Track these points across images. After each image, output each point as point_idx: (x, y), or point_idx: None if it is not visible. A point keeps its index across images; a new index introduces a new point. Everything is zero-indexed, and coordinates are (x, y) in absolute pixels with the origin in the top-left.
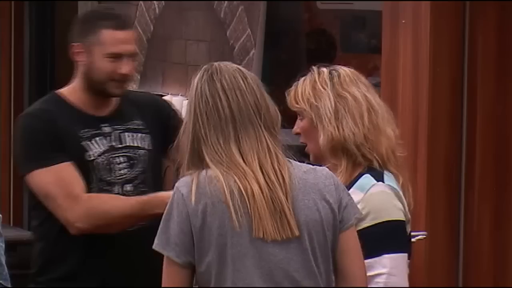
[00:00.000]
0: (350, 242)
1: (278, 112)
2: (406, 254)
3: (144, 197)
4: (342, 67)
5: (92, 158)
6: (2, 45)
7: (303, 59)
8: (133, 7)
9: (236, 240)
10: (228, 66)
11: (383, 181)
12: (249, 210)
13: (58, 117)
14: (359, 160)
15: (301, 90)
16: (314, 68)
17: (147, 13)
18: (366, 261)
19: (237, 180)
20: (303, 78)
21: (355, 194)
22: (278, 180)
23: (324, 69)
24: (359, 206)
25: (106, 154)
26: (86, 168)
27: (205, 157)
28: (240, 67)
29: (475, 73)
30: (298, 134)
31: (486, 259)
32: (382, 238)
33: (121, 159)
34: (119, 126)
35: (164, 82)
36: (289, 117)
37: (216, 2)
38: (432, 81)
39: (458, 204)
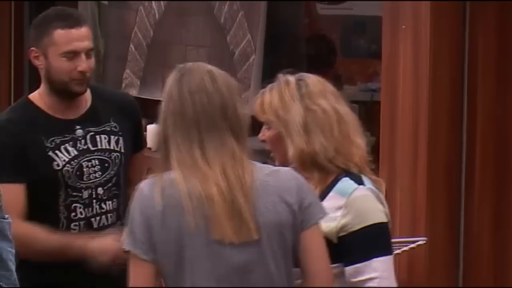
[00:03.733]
0: (312, 241)
1: (247, 115)
2: (392, 256)
3: (70, 240)
4: (310, 76)
5: (60, 167)
6: (2, 45)
7: (303, 64)
8: (132, 12)
9: (193, 242)
10: (200, 67)
11: (364, 185)
12: (208, 213)
13: (26, 127)
14: (332, 169)
15: (268, 100)
16: (281, 76)
17: (146, 19)
18: (356, 265)
19: (198, 183)
20: (269, 87)
21: (336, 198)
22: (239, 183)
23: (292, 79)
24: (342, 210)
25: (76, 160)
26: (55, 177)
27: (171, 158)
28: (213, 68)
29: (475, 75)
30: (264, 141)
31: (486, 261)
32: (371, 241)
33: (94, 162)
34: (93, 128)
35: (164, 88)
36: None
37: (216, 7)
38: (432, 86)
39: (458, 206)
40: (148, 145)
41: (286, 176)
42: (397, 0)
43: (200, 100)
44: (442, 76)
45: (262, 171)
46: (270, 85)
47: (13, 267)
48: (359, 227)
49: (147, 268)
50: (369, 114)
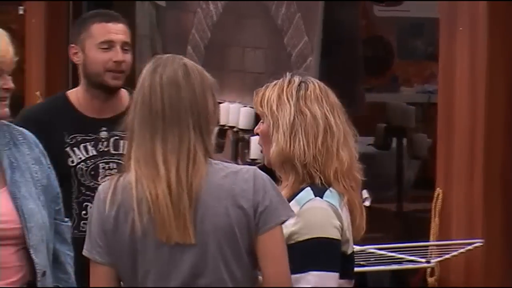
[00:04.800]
0: (268, 246)
1: (217, 113)
2: (335, 274)
3: None
4: (315, 80)
5: (74, 163)
6: (60, 47)
7: (360, 66)
8: (190, 13)
9: (144, 247)
10: (176, 60)
11: (321, 197)
12: (155, 217)
13: (50, 119)
14: (305, 178)
15: (268, 95)
16: (288, 74)
17: (204, 20)
18: (293, 275)
19: (149, 185)
20: (274, 83)
21: (294, 207)
22: (188, 185)
23: (296, 79)
24: (294, 219)
25: (93, 160)
26: (68, 173)
27: (132, 152)
28: (188, 62)
29: None
30: (257, 135)
31: None
32: (311, 254)
33: (112, 165)
34: (118, 132)
35: (221, 89)
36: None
37: (273, 9)
38: (489, 88)
39: None
40: None
41: (244, 177)
42: (453, 0)
43: (169, 93)
44: (499, 77)
45: (219, 173)
46: (276, 81)
47: (72, 270)
48: (304, 238)
49: (105, 271)
50: (426, 116)
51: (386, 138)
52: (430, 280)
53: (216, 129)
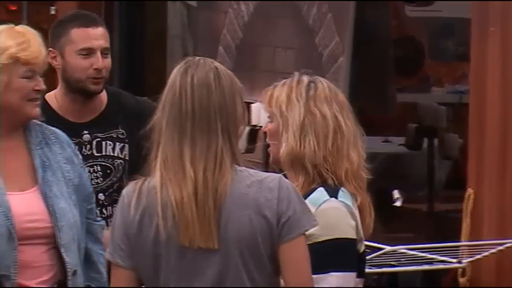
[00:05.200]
0: (290, 255)
1: (246, 118)
2: (354, 274)
3: None
4: (323, 81)
5: None
6: None
7: (391, 66)
8: (221, 14)
9: (168, 252)
10: (206, 62)
11: (336, 197)
12: (179, 221)
13: None
14: (315, 178)
15: (276, 94)
16: (297, 74)
17: (236, 20)
18: (315, 276)
19: (172, 189)
20: (283, 82)
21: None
22: (214, 191)
23: (305, 79)
24: None
25: None
26: None
27: (159, 152)
28: (219, 65)
29: None
30: (265, 133)
31: None
32: (331, 255)
33: (97, 168)
34: (99, 134)
35: (252, 90)
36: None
37: (304, 9)
38: None
39: None
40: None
41: (268, 186)
42: (485, 0)
43: (200, 94)
44: None
45: (244, 182)
46: (284, 80)
47: (104, 270)
48: (323, 239)
49: (127, 275)
50: (457, 116)
51: (417, 138)
52: (462, 280)
53: (247, 129)
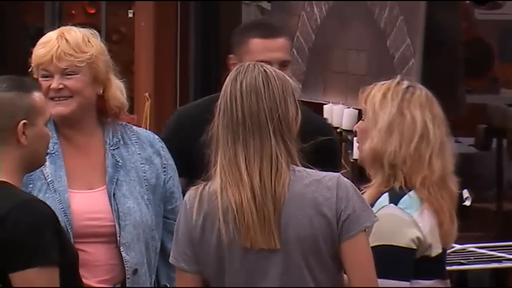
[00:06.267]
0: (352, 252)
1: (298, 119)
2: (405, 283)
3: None
4: (423, 88)
5: None
6: (169, 47)
7: (461, 68)
8: (295, 17)
9: (231, 255)
10: (256, 67)
11: (396, 204)
12: (240, 224)
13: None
14: (390, 180)
15: (374, 92)
16: (398, 77)
17: (308, 23)
18: None
19: (232, 193)
20: (382, 82)
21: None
22: (272, 192)
23: (405, 82)
24: None
25: None
26: None
27: (217, 158)
28: (269, 68)
29: None
30: (355, 132)
31: None
32: (378, 262)
33: None
34: None
35: (325, 91)
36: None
37: (376, 12)
38: None
39: None
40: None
41: (327, 185)
42: None
43: (249, 100)
44: None
45: (302, 181)
46: (386, 81)
47: None
48: (374, 245)
49: (192, 279)
50: None
51: (487, 138)
52: None
53: None
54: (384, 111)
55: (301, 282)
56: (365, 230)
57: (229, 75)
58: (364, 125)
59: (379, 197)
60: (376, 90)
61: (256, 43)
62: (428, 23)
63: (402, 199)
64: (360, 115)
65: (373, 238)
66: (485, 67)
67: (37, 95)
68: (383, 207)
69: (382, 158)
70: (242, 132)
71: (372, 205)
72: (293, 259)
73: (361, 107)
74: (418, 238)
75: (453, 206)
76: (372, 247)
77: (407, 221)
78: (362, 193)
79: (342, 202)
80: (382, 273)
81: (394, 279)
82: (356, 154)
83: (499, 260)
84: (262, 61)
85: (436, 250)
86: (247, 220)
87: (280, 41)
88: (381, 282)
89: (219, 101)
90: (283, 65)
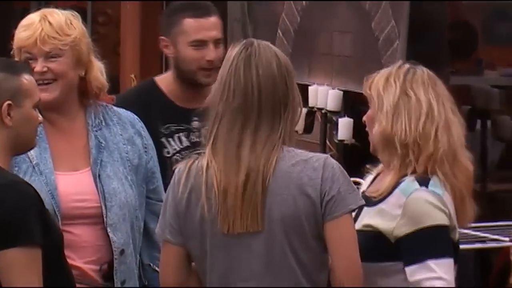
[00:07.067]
0: (335, 233)
1: (301, 102)
2: (451, 259)
3: None
4: (425, 69)
5: (170, 154)
6: (155, 29)
7: (446, 51)
8: None
9: (212, 232)
10: (267, 49)
11: (426, 186)
12: (221, 206)
13: (143, 110)
14: (409, 161)
15: (376, 79)
16: (400, 61)
17: (294, 5)
18: (408, 267)
19: (219, 170)
20: (385, 69)
21: (398, 197)
22: (262, 172)
23: (406, 65)
24: (400, 210)
25: (187, 151)
26: (164, 164)
27: (212, 136)
28: (277, 51)
29: None
30: (364, 122)
31: None
32: (425, 244)
33: None
34: None
35: (310, 73)
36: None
37: None
38: None
39: None
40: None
41: (313, 166)
42: None
43: (266, 86)
44: None
45: (289, 161)
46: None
47: None
48: (414, 229)
49: (176, 251)
50: (509, 98)
51: (471, 120)
52: None
53: (304, 110)
54: (388, 93)
55: (284, 261)
56: (350, 213)
57: (237, 52)
58: (371, 112)
59: (400, 183)
60: (379, 76)
61: (190, 23)
62: (413, 5)
63: (430, 182)
64: (345, 97)
65: (412, 222)
66: (470, 49)
67: (26, 78)
68: (415, 190)
69: (393, 140)
70: (256, 118)
71: (394, 188)
72: (276, 237)
73: (366, 94)
74: (450, 218)
75: (469, 185)
76: (415, 231)
77: (441, 201)
78: (373, 177)
79: (327, 183)
80: (434, 253)
81: (446, 258)
82: (341, 135)
83: (483, 240)
84: (197, 41)
85: (457, 235)
86: (231, 200)
87: (213, 19)
88: (435, 262)
89: (223, 79)
90: (217, 43)
